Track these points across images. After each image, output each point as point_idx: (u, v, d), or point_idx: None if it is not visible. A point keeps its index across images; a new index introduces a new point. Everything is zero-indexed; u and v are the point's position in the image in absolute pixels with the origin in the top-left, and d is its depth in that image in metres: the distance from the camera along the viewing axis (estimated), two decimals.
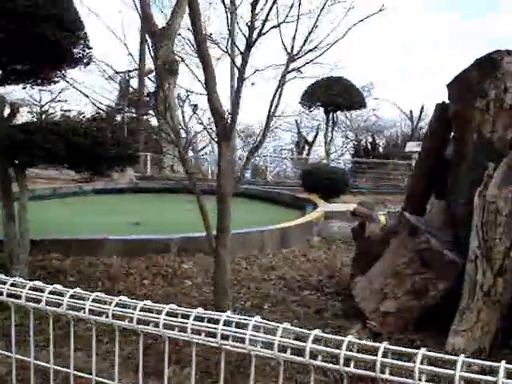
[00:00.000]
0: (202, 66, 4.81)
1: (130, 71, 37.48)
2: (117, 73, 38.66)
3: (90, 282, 6.69)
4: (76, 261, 7.30)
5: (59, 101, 41.44)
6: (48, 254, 7.40)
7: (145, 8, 25.38)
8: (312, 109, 22.81)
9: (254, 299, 6.22)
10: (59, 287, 1.74)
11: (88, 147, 5.79)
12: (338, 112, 24.02)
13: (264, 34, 4.70)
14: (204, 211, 5.27)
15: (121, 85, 38.71)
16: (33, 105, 45.46)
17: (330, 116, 23.77)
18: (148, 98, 28.85)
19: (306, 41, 5.12)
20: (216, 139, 4.91)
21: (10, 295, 1.75)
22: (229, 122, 4.84)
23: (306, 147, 38.37)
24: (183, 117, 35.23)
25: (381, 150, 36.25)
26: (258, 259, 7.97)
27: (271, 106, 4.99)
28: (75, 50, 6.85)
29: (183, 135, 29.78)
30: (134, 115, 31.70)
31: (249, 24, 4.62)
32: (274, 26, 4.82)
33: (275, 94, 4.97)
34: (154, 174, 23.89)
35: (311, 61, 5.29)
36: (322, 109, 22.90)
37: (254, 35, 4.67)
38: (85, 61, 7.07)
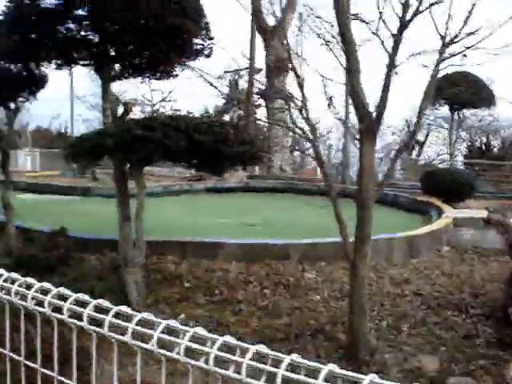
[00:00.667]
0: (344, 53, 4.17)
1: (239, 70, 37.60)
2: (226, 72, 38.96)
3: (208, 288, 6.25)
4: (192, 265, 6.87)
5: (169, 100, 42.24)
6: (162, 257, 7.05)
7: (256, 4, 25.06)
8: (436, 106, 21.42)
9: (389, 318, 5.51)
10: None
11: (210, 144, 5.31)
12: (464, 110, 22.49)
13: (421, 12, 3.98)
14: (340, 217, 4.62)
15: (230, 84, 38.93)
16: (144, 104, 46.67)
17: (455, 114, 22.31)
18: (259, 97, 28.47)
19: (465, 22, 4.33)
20: (357, 136, 4.25)
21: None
22: (374, 116, 4.16)
23: (417, 147, 36.74)
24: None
25: (495, 150, 34.01)
26: (386, 270, 7.19)
27: (424, 99, 4.26)
28: (196, 41, 6.43)
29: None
30: (243, 113, 31.42)
31: (403, 1, 3.92)
32: (432, 4, 4.07)
33: (430, 84, 4.23)
34: (263, 173, 23.49)
35: (470, 47, 4.48)
36: (446, 106, 21.46)
37: (409, 14, 3.97)
38: (206, 52, 6.63)
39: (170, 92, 38.14)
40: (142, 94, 39.27)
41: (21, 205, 8.20)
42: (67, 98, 31.65)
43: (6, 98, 7.14)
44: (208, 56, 6.62)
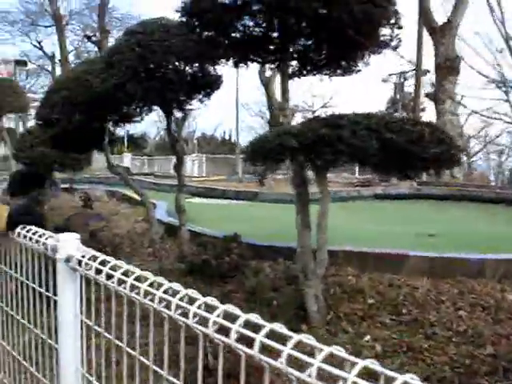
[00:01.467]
0: None
1: (405, 72, 36.23)
2: (391, 74, 37.74)
3: (394, 306, 5.58)
4: (374, 279, 6.23)
5: (330, 106, 41.89)
6: (341, 268, 6.50)
7: (424, 5, 23.88)
8: None
9: None
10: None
11: (402, 145, 4.67)
12: None
13: None
14: None
15: (396, 87, 37.64)
16: (305, 110, 46.79)
17: None
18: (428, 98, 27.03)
19: None
20: None
21: None
22: None
23: None
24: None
25: None
26: None
27: None
28: (384, 31, 5.81)
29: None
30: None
31: None
32: None
33: None
34: (432, 179, 22.17)
35: None
36: None
37: None
38: (393, 44, 5.99)
39: (331, 98, 37.76)
40: (302, 100, 39.27)
41: (190, 208, 8.13)
42: (230, 106, 32.39)
43: (180, 101, 7.02)
44: (395, 48, 5.97)
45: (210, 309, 1.39)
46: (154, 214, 8.38)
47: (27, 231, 2.48)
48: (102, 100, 6.59)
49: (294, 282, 6.02)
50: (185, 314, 1.41)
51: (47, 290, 2.37)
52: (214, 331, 1.31)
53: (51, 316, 2.34)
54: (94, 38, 33.41)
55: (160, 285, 1.61)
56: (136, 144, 13.85)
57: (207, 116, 79.24)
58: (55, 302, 2.28)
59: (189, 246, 7.64)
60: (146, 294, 1.63)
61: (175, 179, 7.96)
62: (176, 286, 1.57)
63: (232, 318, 1.28)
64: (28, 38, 39.40)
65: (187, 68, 6.69)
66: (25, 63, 35.91)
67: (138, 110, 7.48)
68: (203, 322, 1.35)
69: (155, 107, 7.68)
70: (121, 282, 1.82)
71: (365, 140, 4.46)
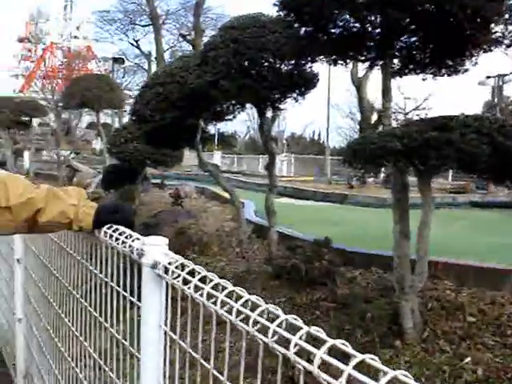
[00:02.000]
0: None
1: (504, 75, 34.55)
2: (488, 77, 36.11)
3: (497, 327, 5.13)
4: (475, 294, 5.79)
5: (423, 108, 40.59)
6: (439, 281, 6.08)
7: None
8: None
9: None
10: None
11: None
12: None
13: None
14: None
15: (493, 90, 35.95)
16: (397, 113, 45.63)
17: None
18: None
19: None
20: None
21: None
22: None
23: None
24: None
25: None
26: None
27: None
28: (496, 28, 5.36)
29: None
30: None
31: None
32: None
33: None
34: None
35: None
36: None
37: None
38: (506, 42, 5.52)
39: (425, 99, 36.58)
40: (395, 103, 38.29)
41: (278, 209, 7.94)
42: (320, 106, 32.08)
43: (274, 99, 6.81)
44: (508, 46, 5.50)
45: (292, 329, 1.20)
46: (242, 213, 8.24)
47: (114, 231, 2.34)
48: (195, 97, 6.50)
49: (387, 294, 5.68)
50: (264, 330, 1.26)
51: (131, 294, 2.23)
52: (294, 353, 1.11)
53: (134, 318, 2.22)
54: (188, 37, 33.99)
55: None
56: (226, 142, 13.87)
57: (297, 116, 78.99)
58: (138, 307, 2.15)
59: (277, 249, 7.44)
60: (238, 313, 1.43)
61: (263, 178, 7.81)
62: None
63: (313, 338, 1.09)
64: (126, 36, 40.73)
65: (283, 65, 6.48)
66: (122, 61, 37.08)
67: (230, 107, 7.37)
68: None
69: (248, 105, 7.55)
70: (210, 296, 1.62)
71: (475, 144, 4.08)
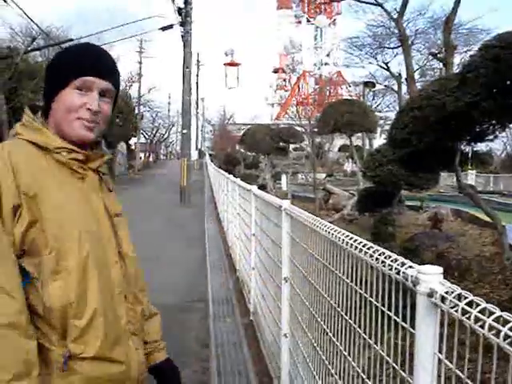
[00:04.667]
0: None
1: None
2: None
3: None
4: None
5: None
6: None
7: None
8: None
9: None
10: None
11: None
12: None
13: None
14: None
15: None
16: None
17: None
18: None
19: None
20: None
21: None
22: None
23: None
24: None
25: None
26: None
27: None
28: None
29: None
30: None
31: None
32: None
33: None
34: None
35: None
36: None
37: None
38: None
39: None
40: None
41: None
42: None
43: None
44: None
45: None
46: (505, 237, 7.78)
47: (380, 254, 2.46)
48: (454, 119, 6.39)
49: None
50: None
51: (403, 319, 2.32)
52: None
53: (391, 338, 2.30)
54: (439, 55, 33.12)
55: None
56: (481, 161, 13.20)
57: None
58: (403, 328, 2.24)
59: None
60: None
61: None
62: None
63: None
64: (375, 59, 41.12)
65: None
66: (373, 84, 37.52)
67: (490, 127, 7.06)
68: None
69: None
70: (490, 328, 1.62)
71: None
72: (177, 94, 77.57)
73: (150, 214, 20.25)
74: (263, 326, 6.50)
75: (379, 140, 49.32)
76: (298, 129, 28.94)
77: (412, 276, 2.12)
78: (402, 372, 2.31)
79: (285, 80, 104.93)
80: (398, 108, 36.58)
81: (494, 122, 6.96)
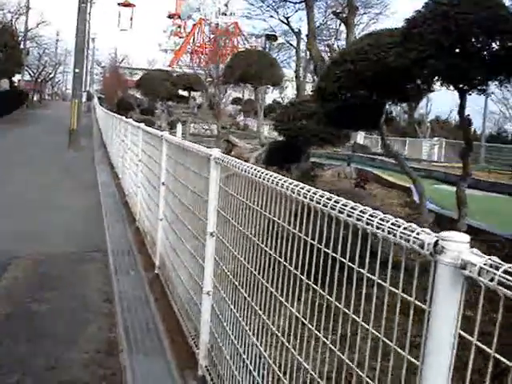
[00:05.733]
0: None
1: None
2: None
3: None
4: None
5: None
6: None
7: None
8: None
9: None
10: None
11: None
12: None
13: None
14: None
15: None
16: None
17: None
18: None
19: None
20: None
21: None
22: None
23: None
24: None
25: None
26: None
27: None
28: None
29: None
30: None
31: None
32: None
33: None
34: None
35: None
36: None
37: None
38: None
39: None
40: None
41: (446, 197, 7.32)
42: None
43: (478, 81, 6.27)
44: None
45: None
46: (424, 199, 7.75)
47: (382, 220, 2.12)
48: (393, 75, 6.16)
49: None
50: None
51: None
52: None
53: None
54: (342, 15, 33.37)
55: None
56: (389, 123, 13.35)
57: (442, 98, 75.48)
58: (423, 311, 1.90)
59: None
60: None
61: (410, 162, 7.28)
62: None
63: None
64: (276, 13, 40.82)
65: (493, 44, 5.95)
66: (275, 38, 37.24)
67: (421, 88, 6.92)
68: None
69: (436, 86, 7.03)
70: None
71: None
72: (66, 31, 73.27)
73: (37, 158, 19.09)
74: (174, 281, 6.10)
75: (271, 95, 49.56)
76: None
77: (429, 244, 1.81)
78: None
79: (180, 26, 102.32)
80: (294, 64, 36.72)
81: (431, 81, 6.70)
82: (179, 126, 28.15)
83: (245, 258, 3.60)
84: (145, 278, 7.18)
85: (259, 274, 3.26)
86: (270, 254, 3.13)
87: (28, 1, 53.08)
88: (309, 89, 32.60)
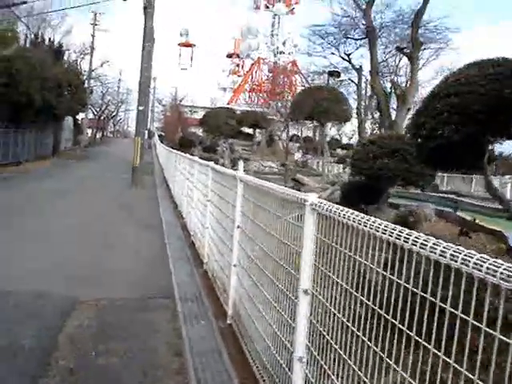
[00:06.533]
0: None
1: None
2: None
3: None
4: None
5: None
6: None
7: None
8: None
9: None
10: None
11: None
12: None
13: None
14: None
15: None
16: None
17: None
18: None
19: None
20: None
21: None
22: None
23: None
24: None
25: None
26: None
27: None
28: None
29: None
30: None
31: None
32: None
33: None
34: None
35: None
36: None
37: None
38: None
39: None
40: None
41: None
42: None
43: None
44: None
45: None
46: None
47: None
48: (504, 108, 5.43)
49: None
50: None
51: None
52: None
53: None
54: (405, 50, 32.75)
55: None
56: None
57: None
58: None
59: None
60: None
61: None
62: None
63: None
64: (337, 50, 40.52)
65: None
66: (338, 74, 36.79)
67: None
68: None
69: None
70: None
71: None
72: (128, 70, 75.34)
73: (99, 196, 19.03)
74: (252, 335, 5.53)
75: (331, 131, 48.93)
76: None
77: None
78: None
79: (238, 65, 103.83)
80: (356, 99, 36.14)
81: None
82: (241, 164, 27.93)
83: (354, 325, 3.04)
84: (216, 328, 6.63)
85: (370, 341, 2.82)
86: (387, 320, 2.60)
87: (93, 41, 54.61)
88: (367, 126, 31.91)
